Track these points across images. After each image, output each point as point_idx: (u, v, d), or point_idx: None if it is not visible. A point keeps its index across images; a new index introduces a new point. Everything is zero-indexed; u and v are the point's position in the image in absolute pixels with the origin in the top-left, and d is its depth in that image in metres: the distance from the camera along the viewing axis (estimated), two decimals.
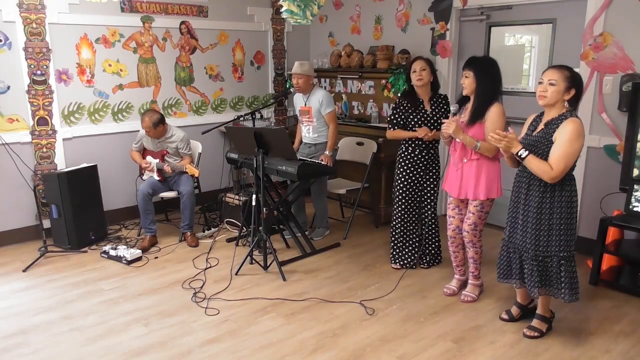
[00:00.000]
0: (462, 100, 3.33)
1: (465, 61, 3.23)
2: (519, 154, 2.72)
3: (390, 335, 3.02)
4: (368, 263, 4.05)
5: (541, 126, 2.80)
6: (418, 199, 3.85)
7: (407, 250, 3.92)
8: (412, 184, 3.79)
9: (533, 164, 2.70)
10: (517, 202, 2.93)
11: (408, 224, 3.88)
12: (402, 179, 3.80)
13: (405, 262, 3.93)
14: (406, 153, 3.77)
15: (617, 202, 3.72)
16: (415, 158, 3.76)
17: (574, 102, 2.77)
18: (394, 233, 3.92)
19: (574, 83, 2.70)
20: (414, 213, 3.87)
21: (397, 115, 3.75)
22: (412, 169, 3.77)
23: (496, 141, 2.78)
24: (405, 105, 3.72)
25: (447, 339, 2.98)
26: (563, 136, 2.65)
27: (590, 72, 3.95)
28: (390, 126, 3.80)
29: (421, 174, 3.78)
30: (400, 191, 3.82)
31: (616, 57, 3.82)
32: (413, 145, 3.75)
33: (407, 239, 3.90)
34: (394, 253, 3.95)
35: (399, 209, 3.85)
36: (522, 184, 2.88)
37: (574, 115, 2.71)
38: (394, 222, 3.90)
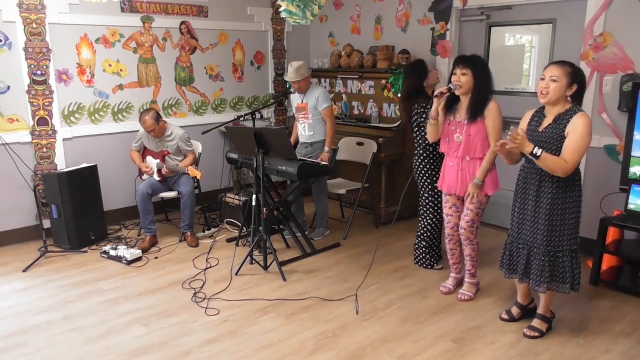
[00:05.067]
0: (451, 100, 3.26)
1: (456, 59, 3.21)
2: (534, 153, 2.64)
3: (390, 335, 3.02)
4: (368, 263, 4.05)
5: (548, 121, 2.77)
6: None
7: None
8: None
9: (548, 160, 2.65)
10: (526, 199, 2.91)
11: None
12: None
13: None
14: (438, 155, 3.71)
15: (617, 202, 3.72)
16: None
17: (577, 97, 2.76)
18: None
19: (576, 78, 2.70)
20: None
21: None
22: None
23: (505, 144, 2.67)
24: None
25: (447, 339, 2.98)
26: (577, 130, 2.65)
27: (590, 72, 3.95)
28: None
29: None
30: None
31: (616, 57, 3.82)
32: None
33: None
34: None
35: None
36: (532, 180, 2.86)
37: (582, 110, 2.72)
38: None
